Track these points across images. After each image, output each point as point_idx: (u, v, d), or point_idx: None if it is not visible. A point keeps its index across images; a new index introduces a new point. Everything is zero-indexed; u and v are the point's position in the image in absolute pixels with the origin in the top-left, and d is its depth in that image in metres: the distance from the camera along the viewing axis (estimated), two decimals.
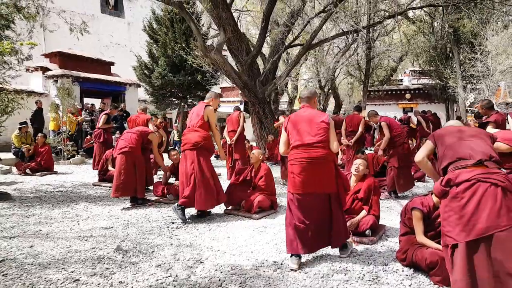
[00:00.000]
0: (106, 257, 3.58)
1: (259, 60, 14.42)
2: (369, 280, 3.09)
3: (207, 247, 3.91)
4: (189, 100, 15.90)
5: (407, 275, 3.18)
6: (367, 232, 4.00)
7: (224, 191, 5.13)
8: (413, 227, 3.29)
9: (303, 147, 3.35)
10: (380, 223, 4.55)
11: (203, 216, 5.06)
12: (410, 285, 2.99)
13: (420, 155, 2.92)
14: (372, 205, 4.11)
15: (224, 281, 3.11)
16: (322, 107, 21.21)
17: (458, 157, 2.43)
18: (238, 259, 3.57)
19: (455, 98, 17.74)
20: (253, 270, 3.31)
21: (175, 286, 3.01)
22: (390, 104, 21.67)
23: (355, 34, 14.01)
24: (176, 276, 3.20)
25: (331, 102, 23.02)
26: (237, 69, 9.86)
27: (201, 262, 3.50)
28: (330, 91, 20.70)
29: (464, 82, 15.77)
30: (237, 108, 8.62)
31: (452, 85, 16.21)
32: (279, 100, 19.80)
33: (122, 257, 3.59)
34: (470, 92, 15.49)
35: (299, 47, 11.80)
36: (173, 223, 4.75)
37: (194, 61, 11.32)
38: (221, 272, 3.27)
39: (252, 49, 10.31)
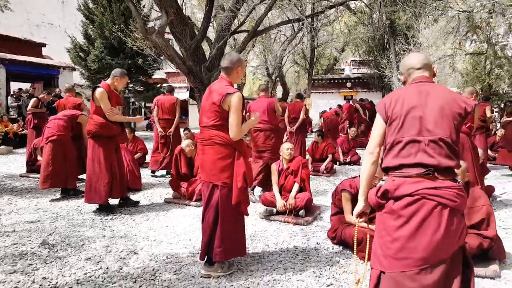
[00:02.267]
0: (29, 253, 3.33)
1: (205, 46, 14.11)
2: (301, 259, 3.21)
3: (142, 237, 3.80)
4: (130, 85, 15.18)
5: (336, 252, 3.36)
6: (300, 213, 4.15)
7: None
8: (342, 207, 3.46)
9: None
10: (316, 204, 4.75)
11: (125, 205, 4.81)
12: (338, 262, 3.16)
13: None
14: (303, 178, 4.31)
15: (158, 270, 3.04)
16: (270, 94, 21.41)
17: (403, 164, 1.84)
18: (175, 248, 3.51)
19: (391, 86, 18.83)
20: (190, 258, 3.28)
21: (105, 279, 2.89)
22: (332, 92, 22.51)
23: (300, 23, 14.25)
24: (107, 268, 3.07)
25: (279, 90, 23.33)
26: (181, 54, 9.56)
27: (135, 253, 3.39)
28: (278, 79, 20.94)
29: (399, 71, 16.77)
30: (170, 91, 7.59)
31: (388, 75, 17.18)
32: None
33: (48, 252, 3.36)
34: None
35: (245, 33, 11.72)
36: (108, 214, 4.54)
37: (134, 43, 10.77)
38: (156, 262, 3.20)
39: (197, 33, 10.04)
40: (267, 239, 3.70)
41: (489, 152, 8.06)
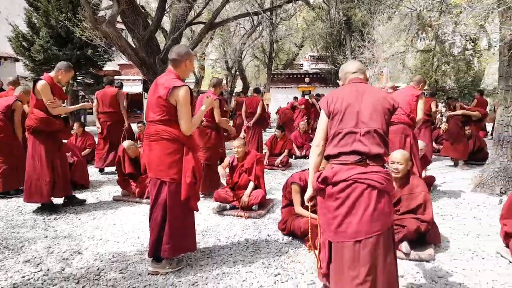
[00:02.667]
0: None
1: (160, 37, 13.72)
2: (252, 251, 3.24)
3: (88, 236, 3.64)
4: (79, 78, 14.39)
5: (285, 243, 3.43)
6: (253, 207, 4.18)
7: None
8: (292, 200, 3.53)
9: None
10: (271, 197, 4.80)
11: (70, 204, 4.58)
12: (287, 252, 3.22)
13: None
14: (258, 175, 4.29)
15: (103, 269, 2.94)
16: (229, 88, 21.33)
17: (341, 152, 2.09)
18: (122, 246, 3.40)
19: None
20: (137, 256, 3.19)
21: (45, 281, 2.74)
22: (291, 87, 22.78)
23: (259, 17, 14.25)
24: (48, 270, 2.91)
25: (239, 84, 23.28)
26: (133, 45, 9.22)
27: (79, 253, 3.25)
28: (238, 72, 20.85)
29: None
30: (109, 83, 7.05)
31: None
32: (183, 80, 19.26)
33: None
34: None
35: (202, 25, 11.53)
36: (51, 214, 4.29)
37: (83, 33, 10.22)
38: (101, 261, 3.09)
39: (150, 23, 9.72)
40: (219, 233, 3.69)
41: (434, 144, 8.56)
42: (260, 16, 13.51)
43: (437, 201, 4.83)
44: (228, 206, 4.27)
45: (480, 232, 3.67)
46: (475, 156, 7.37)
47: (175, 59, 2.85)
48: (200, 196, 4.86)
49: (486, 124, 11.31)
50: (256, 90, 9.02)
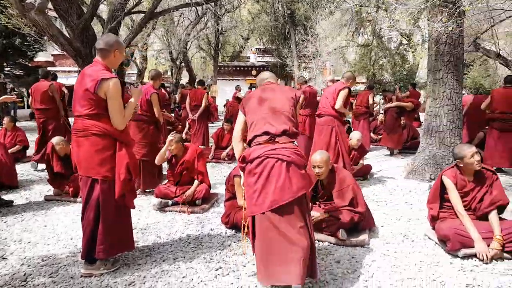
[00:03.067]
0: None
1: (97, 26, 12.90)
2: (193, 247, 3.18)
3: (15, 240, 3.35)
4: (7, 69, 13.13)
5: (228, 236, 3.42)
6: (197, 202, 4.12)
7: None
8: (235, 193, 3.52)
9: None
10: (216, 191, 4.76)
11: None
12: (229, 245, 3.21)
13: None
14: (200, 171, 4.22)
15: (31, 274, 2.72)
16: (175, 80, 20.76)
17: (255, 135, 2.45)
18: (53, 249, 3.17)
19: (292, 75, 19.86)
20: (70, 258, 2.99)
21: None
22: (238, 79, 22.80)
23: (204, 7, 13.96)
24: None
25: (185, 76, 22.75)
26: (67, 34, 8.57)
27: (3, 259, 2.98)
28: (183, 64, 20.33)
29: (299, 61, 17.69)
30: (45, 75, 6.64)
31: (289, 64, 18.00)
32: (124, 72, 18.33)
33: None
34: (304, 70, 17.51)
35: (143, 14, 11.03)
36: None
37: (9, 21, 9.32)
38: (29, 266, 2.85)
39: (85, 11, 9.09)
40: (159, 230, 3.58)
41: (372, 135, 9.06)
42: (204, 6, 13.25)
43: (373, 188, 5.11)
44: (170, 202, 4.15)
45: (411, 217, 3.93)
46: (409, 145, 7.91)
47: (103, 49, 2.67)
48: (140, 193, 4.73)
49: (420, 114, 12.16)
50: (200, 82, 8.84)
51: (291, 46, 18.09)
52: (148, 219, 3.90)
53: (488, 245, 2.82)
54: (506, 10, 6.15)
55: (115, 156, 2.66)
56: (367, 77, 17.34)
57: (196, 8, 14.73)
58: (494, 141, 5.90)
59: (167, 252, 3.08)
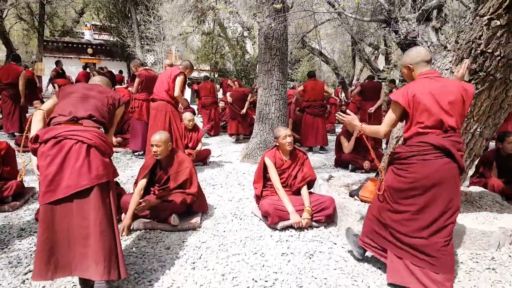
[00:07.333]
0: None
1: None
2: None
3: None
4: None
5: None
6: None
7: None
8: None
9: None
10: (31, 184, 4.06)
11: None
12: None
13: None
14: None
15: None
16: None
17: (58, 114, 2.20)
18: None
19: (135, 57, 18.71)
20: None
21: None
22: (71, 58, 19.98)
23: None
24: None
25: (2, 50, 18.65)
26: None
27: None
28: None
29: (142, 42, 16.76)
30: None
31: (130, 44, 16.86)
32: None
33: None
34: (147, 52, 16.71)
35: None
36: None
37: None
38: None
39: None
40: None
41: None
42: None
43: (211, 172, 5.30)
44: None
45: (242, 197, 4.22)
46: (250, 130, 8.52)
47: None
48: None
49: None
50: (15, 57, 7.35)
51: (133, 26, 16.94)
52: None
53: (301, 216, 3.28)
54: (325, 13, 7.26)
55: None
56: (210, 65, 17.79)
57: None
58: (307, 125, 7.23)
59: None
